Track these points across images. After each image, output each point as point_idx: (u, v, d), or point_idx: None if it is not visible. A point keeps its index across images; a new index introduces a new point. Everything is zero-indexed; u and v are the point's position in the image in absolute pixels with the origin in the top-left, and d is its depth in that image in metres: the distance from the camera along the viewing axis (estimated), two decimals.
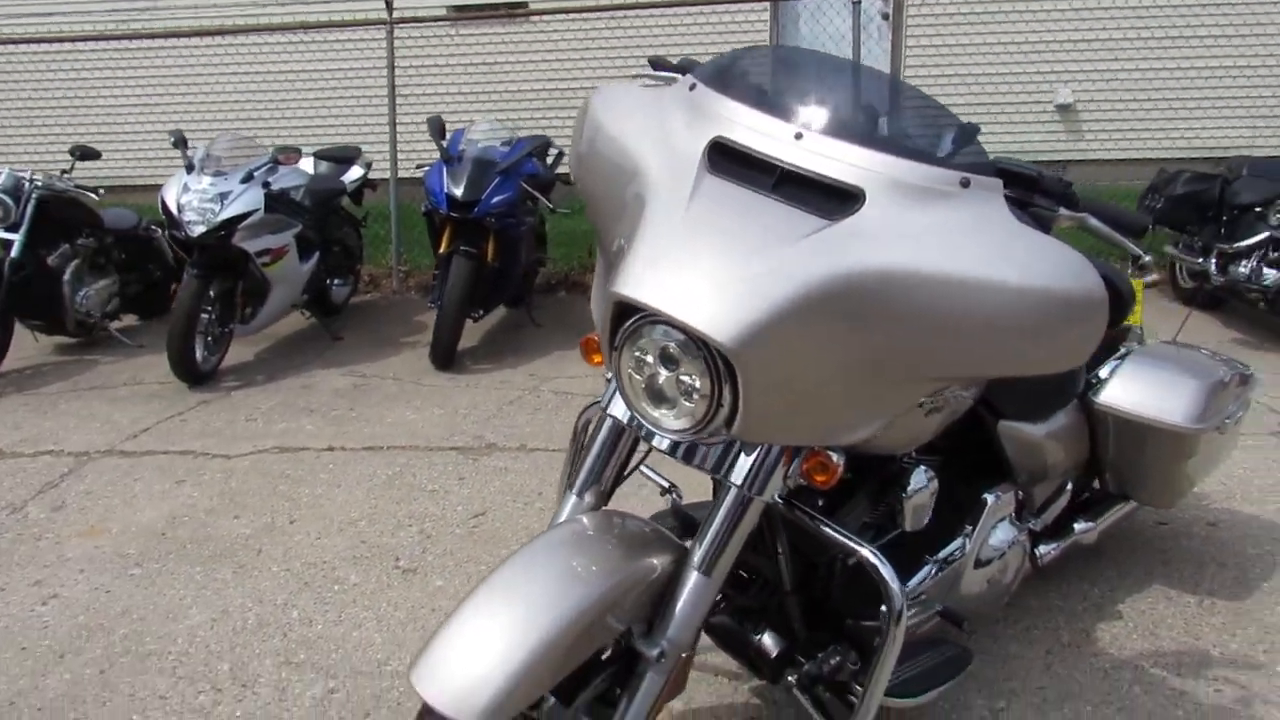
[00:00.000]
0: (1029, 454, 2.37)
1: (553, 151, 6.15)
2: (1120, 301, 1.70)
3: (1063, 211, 1.70)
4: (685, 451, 1.77)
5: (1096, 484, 2.75)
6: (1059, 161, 8.10)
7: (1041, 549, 2.56)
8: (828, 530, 1.84)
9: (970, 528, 2.27)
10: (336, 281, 5.99)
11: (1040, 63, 8.10)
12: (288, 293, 5.18)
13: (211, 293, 4.81)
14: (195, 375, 4.79)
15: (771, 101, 1.67)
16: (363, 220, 6.19)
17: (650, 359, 1.59)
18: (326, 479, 3.74)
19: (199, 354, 4.79)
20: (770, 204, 1.55)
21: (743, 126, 1.63)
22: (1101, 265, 1.71)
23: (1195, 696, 2.35)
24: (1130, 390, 2.48)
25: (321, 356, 5.38)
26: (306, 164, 5.97)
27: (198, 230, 4.60)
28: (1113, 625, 2.64)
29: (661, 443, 1.77)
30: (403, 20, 6.56)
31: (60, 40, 8.27)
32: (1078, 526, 2.64)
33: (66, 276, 5.24)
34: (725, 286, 1.47)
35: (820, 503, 1.98)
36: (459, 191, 4.80)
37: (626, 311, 1.58)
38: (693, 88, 1.74)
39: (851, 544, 1.79)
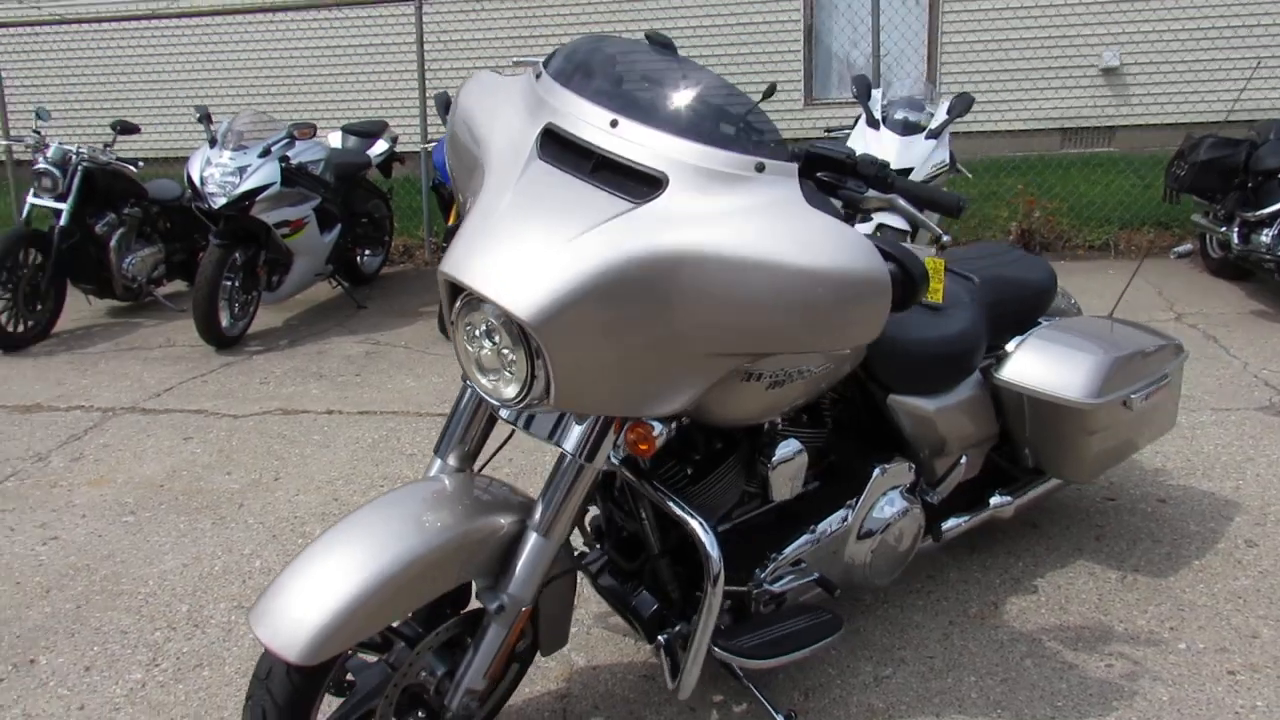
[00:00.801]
0: (923, 428, 2.43)
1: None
2: (911, 283, 1.76)
3: (870, 193, 1.78)
4: (525, 421, 1.90)
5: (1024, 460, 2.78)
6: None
7: (948, 523, 2.62)
8: (663, 498, 1.95)
9: (854, 499, 2.35)
10: (367, 253, 6.24)
11: (1084, 26, 7.85)
12: (310, 263, 5.44)
13: (237, 261, 5.09)
14: (220, 339, 5.09)
15: (595, 91, 1.76)
16: (389, 192, 6.41)
17: (478, 333, 1.72)
18: (318, 440, 3.97)
19: (224, 319, 5.08)
20: (585, 188, 1.66)
21: (570, 114, 1.73)
22: (894, 248, 1.77)
23: (1084, 670, 2.39)
24: (1028, 365, 2.51)
25: (343, 325, 5.64)
26: (334, 138, 6.23)
27: (218, 202, 4.87)
28: (1024, 599, 2.69)
29: (502, 411, 1.91)
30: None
31: (99, 20, 8.68)
32: (994, 501, 2.68)
33: (113, 243, 5.59)
34: (532, 265, 1.59)
35: (689, 471, 2.08)
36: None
37: (460, 288, 1.71)
38: (538, 77, 1.85)
39: (678, 511, 1.90)
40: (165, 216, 6.00)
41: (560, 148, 1.73)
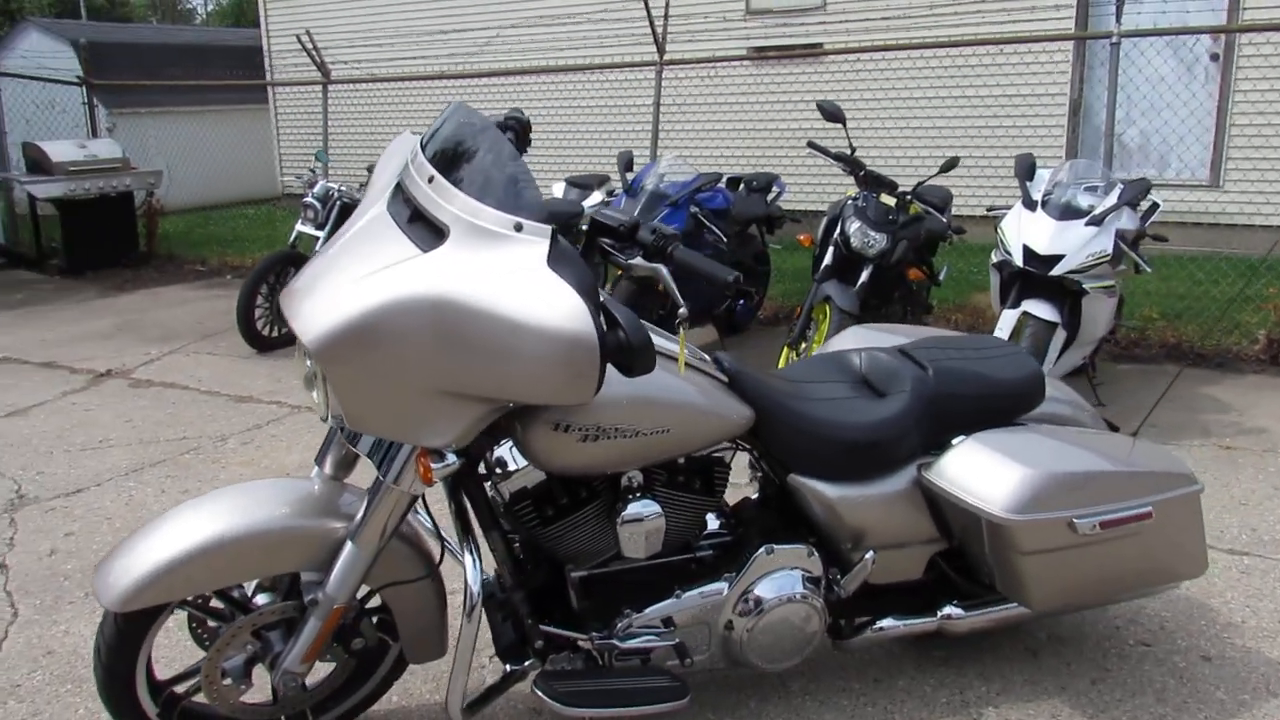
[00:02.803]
0: (826, 514, 2.35)
1: (776, 188, 6.39)
2: (631, 353, 1.77)
3: (637, 261, 1.83)
4: (350, 437, 2.12)
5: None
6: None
7: (883, 623, 2.47)
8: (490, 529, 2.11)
9: (733, 573, 2.32)
10: None
11: None
12: None
13: None
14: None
15: (432, 152, 1.98)
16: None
17: (300, 353, 1.99)
18: None
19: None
20: (396, 235, 1.89)
21: (412, 171, 1.98)
22: (626, 318, 1.79)
23: None
24: (956, 467, 2.32)
25: None
26: (558, 188, 6.78)
27: None
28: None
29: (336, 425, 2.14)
30: (670, 62, 7.13)
31: (393, 80, 10.02)
32: (944, 612, 2.50)
33: None
34: (325, 297, 1.84)
35: (550, 513, 2.20)
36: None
37: None
38: (422, 140, 2.10)
39: (458, 541, 2.03)
40: None
41: (403, 201, 1.97)
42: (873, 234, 4.80)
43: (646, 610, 2.28)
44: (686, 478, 2.29)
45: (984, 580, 2.49)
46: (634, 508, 2.19)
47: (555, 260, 1.79)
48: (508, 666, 2.27)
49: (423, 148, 2.01)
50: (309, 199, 6.28)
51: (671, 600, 2.29)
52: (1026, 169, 4.57)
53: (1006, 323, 4.33)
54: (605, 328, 1.78)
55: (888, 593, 2.53)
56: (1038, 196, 4.42)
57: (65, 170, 8.37)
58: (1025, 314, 4.29)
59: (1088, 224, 4.24)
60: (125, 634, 2.04)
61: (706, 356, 2.31)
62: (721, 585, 2.32)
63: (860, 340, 2.81)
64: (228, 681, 2.15)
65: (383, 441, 2.06)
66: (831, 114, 4.90)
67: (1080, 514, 2.28)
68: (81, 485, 4.04)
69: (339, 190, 6.32)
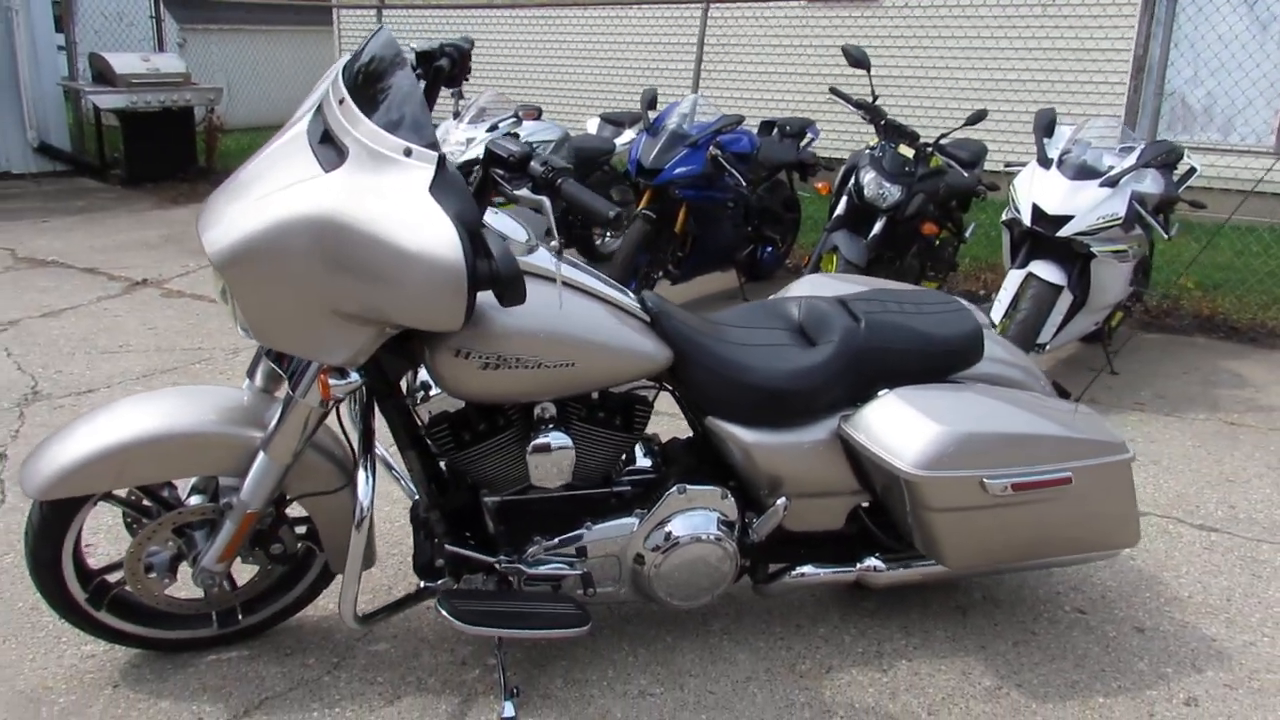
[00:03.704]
0: (741, 458, 2.37)
1: (810, 134, 6.28)
2: (499, 282, 1.82)
3: (523, 193, 1.86)
4: (269, 351, 2.20)
5: None
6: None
7: (802, 569, 2.49)
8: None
9: (645, 509, 2.36)
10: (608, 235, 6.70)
11: None
12: (532, 228, 6.00)
13: None
14: None
15: (349, 75, 2.02)
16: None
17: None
18: None
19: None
20: (305, 154, 1.94)
21: (330, 93, 2.02)
22: (500, 250, 1.82)
23: None
24: (872, 421, 2.31)
25: None
26: (592, 124, 6.76)
27: None
28: (866, 674, 2.48)
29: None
30: (718, 0, 7.01)
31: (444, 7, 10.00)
32: (863, 564, 2.51)
33: None
34: (230, 214, 1.91)
35: (466, 438, 2.26)
36: (646, 159, 5.22)
37: None
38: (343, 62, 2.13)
39: (365, 455, 2.10)
40: None
41: (321, 121, 2.02)
42: (887, 185, 4.71)
43: (556, 539, 2.34)
44: (605, 413, 2.32)
45: (905, 536, 2.49)
46: (542, 439, 2.23)
47: (439, 187, 1.82)
48: (422, 583, 2.36)
49: (344, 71, 2.05)
50: None
51: (580, 531, 2.34)
52: (1045, 124, 4.42)
53: (1011, 283, 4.23)
54: (476, 257, 1.81)
55: (811, 541, 2.55)
56: (1054, 154, 4.28)
57: (128, 82, 8.59)
58: (1030, 275, 4.18)
59: (1101, 185, 4.09)
60: (50, 521, 2.17)
61: (630, 294, 2.33)
62: (632, 520, 2.36)
63: (812, 289, 2.79)
64: (151, 575, 2.27)
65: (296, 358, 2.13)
66: (857, 59, 4.79)
67: (992, 474, 2.26)
68: (94, 386, 4.24)
69: None
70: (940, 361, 2.44)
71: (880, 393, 2.37)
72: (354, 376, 2.04)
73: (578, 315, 2.14)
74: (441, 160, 1.85)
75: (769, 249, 6.33)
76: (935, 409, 2.28)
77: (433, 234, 1.78)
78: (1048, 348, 4.27)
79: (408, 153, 1.84)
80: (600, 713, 2.31)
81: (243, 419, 2.21)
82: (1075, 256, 4.20)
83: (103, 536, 2.93)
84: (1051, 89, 7.77)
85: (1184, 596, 2.85)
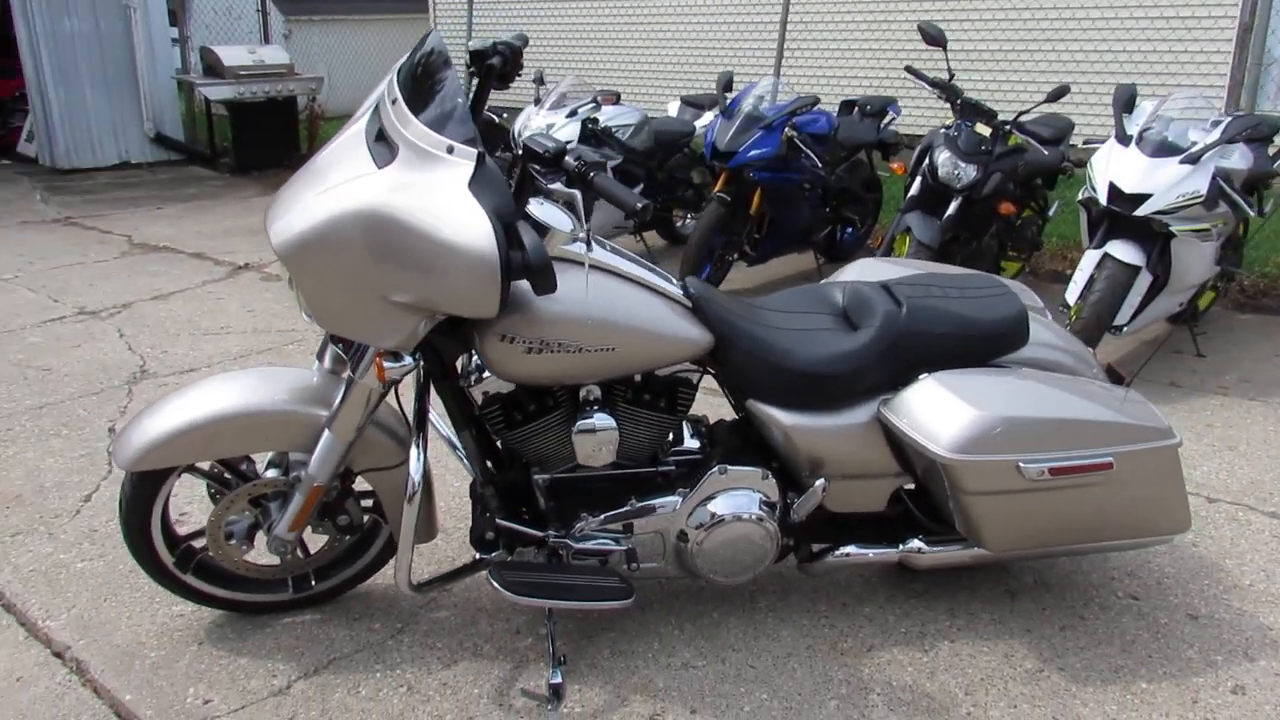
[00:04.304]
0: (781, 439, 2.43)
1: (891, 113, 6.21)
2: (529, 272, 1.92)
3: (556, 187, 1.96)
4: (332, 337, 2.35)
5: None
6: None
7: (845, 549, 2.55)
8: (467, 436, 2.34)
9: (688, 489, 2.45)
10: (689, 216, 6.77)
11: None
12: (607, 216, 6.05)
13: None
14: None
15: (402, 76, 2.15)
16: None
17: None
18: None
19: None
20: (363, 151, 2.09)
21: (385, 93, 2.15)
22: (533, 243, 1.91)
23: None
24: (911, 405, 2.34)
25: None
26: (673, 107, 6.81)
27: None
28: (907, 654, 2.52)
29: None
30: None
31: None
32: (907, 545, 2.55)
33: None
34: (293, 207, 2.06)
35: (518, 417, 2.38)
36: (721, 142, 5.26)
37: None
38: (399, 65, 2.27)
39: (420, 435, 2.23)
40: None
41: (377, 120, 2.16)
42: (961, 165, 4.65)
43: (602, 515, 2.44)
44: (649, 395, 2.42)
45: (947, 519, 2.52)
46: (587, 420, 2.33)
47: (478, 183, 1.93)
48: (477, 555, 2.50)
49: (399, 72, 2.18)
50: None
51: (625, 509, 2.44)
52: (1125, 100, 4.30)
53: (1087, 264, 4.15)
54: (510, 248, 1.92)
55: (855, 522, 2.60)
56: (1133, 131, 4.17)
57: (235, 74, 9.01)
58: (1106, 255, 4.10)
59: (1182, 161, 3.98)
60: (139, 490, 2.37)
61: (673, 280, 2.41)
62: (675, 499, 2.45)
63: (861, 273, 2.82)
64: (231, 542, 2.47)
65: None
66: (933, 37, 4.73)
67: (1028, 458, 2.27)
68: (195, 365, 4.53)
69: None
70: (983, 345, 2.46)
71: (920, 377, 2.40)
72: (407, 360, 2.17)
73: (618, 301, 2.23)
74: (481, 157, 1.96)
75: (849, 230, 6.30)
76: (972, 393, 2.30)
77: (470, 227, 1.89)
78: (1126, 330, 4.19)
79: (450, 150, 1.96)
80: (643, 682, 2.41)
81: (311, 399, 2.38)
82: (1155, 236, 4.09)
83: (196, 505, 3.16)
84: (1144, 60, 7.48)
85: (1245, 584, 2.81)
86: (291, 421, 2.35)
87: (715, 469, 2.44)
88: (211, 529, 2.44)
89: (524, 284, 2.07)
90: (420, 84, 2.13)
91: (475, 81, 2.37)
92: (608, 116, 5.92)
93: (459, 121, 2.00)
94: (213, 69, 9.10)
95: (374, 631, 2.59)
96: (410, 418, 2.40)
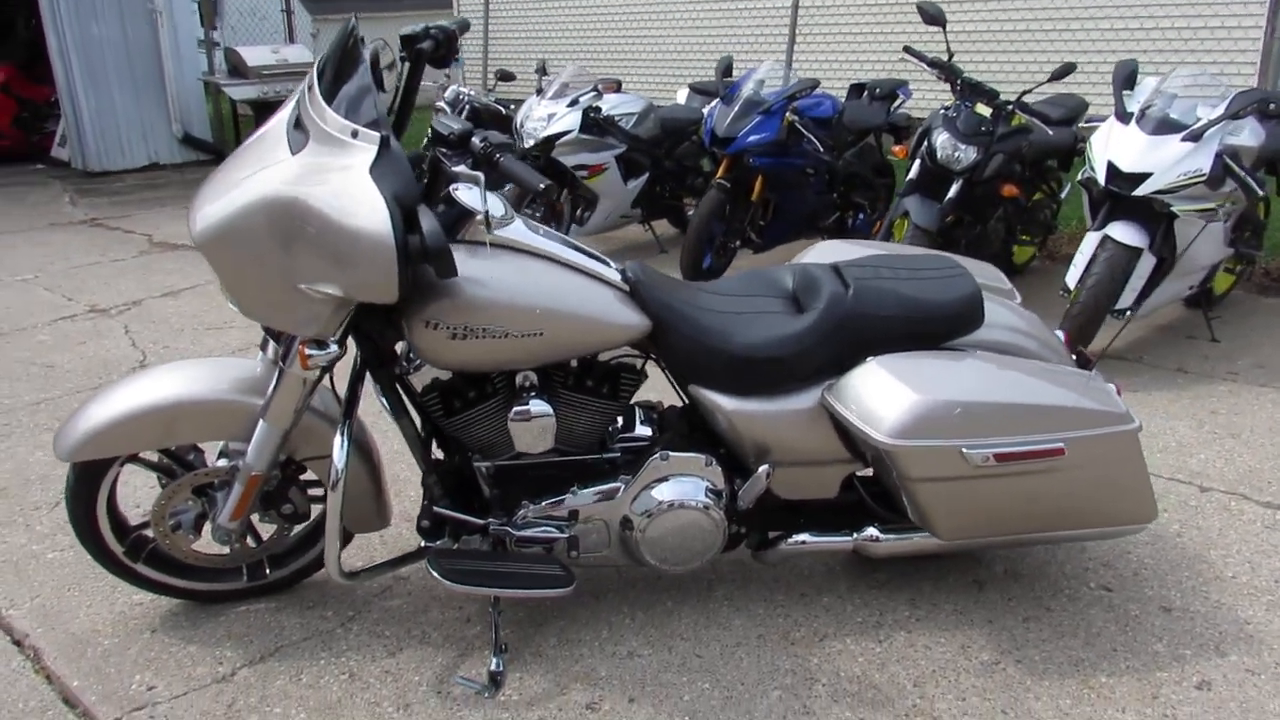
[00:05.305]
0: (728, 427, 2.38)
1: (901, 95, 6.09)
2: (427, 257, 1.87)
3: (460, 168, 1.92)
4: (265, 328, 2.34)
5: None
6: None
7: (798, 537, 2.49)
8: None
9: (628, 475, 2.41)
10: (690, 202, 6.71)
11: None
12: (613, 205, 6.07)
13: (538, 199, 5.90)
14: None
15: (320, 63, 2.13)
16: None
17: None
18: None
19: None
20: (280, 140, 2.07)
21: (305, 81, 2.14)
22: (430, 228, 1.88)
23: None
24: (854, 389, 2.27)
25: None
26: (682, 95, 6.75)
27: (528, 144, 5.70)
28: (858, 643, 2.46)
29: None
30: None
31: None
32: (861, 534, 2.48)
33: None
34: (210, 198, 2.06)
35: (456, 405, 2.36)
36: (720, 128, 5.19)
37: None
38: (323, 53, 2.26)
39: (343, 424, 2.21)
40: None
41: (297, 109, 2.15)
42: (961, 146, 4.53)
43: (543, 502, 2.41)
44: (592, 381, 2.38)
45: (900, 507, 2.45)
46: (520, 407, 2.30)
47: (381, 167, 1.91)
48: (421, 543, 2.48)
49: (320, 61, 2.16)
50: (439, 103, 6.58)
51: (567, 496, 2.41)
52: (1125, 77, 4.15)
53: (1088, 246, 4.03)
54: (408, 233, 1.89)
55: (811, 510, 2.54)
56: (1134, 108, 4.02)
57: (259, 74, 9.13)
58: (1105, 237, 3.96)
59: (1184, 139, 3.83)
60: (81, 481, 2.39)
61: (610, 263, 2.36)
62: (617, 485, 2.41)
63: (824, 255, 2.75)
64: (179, 531, 2.48)
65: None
66: (933, 17, 4.62)
67: (971, 444, 2.19)
68: None
69: (468, 94, 6.59)
70: (933, 327, 2.38)
71: (864, 361, 2.33)
72: (332, 348, 2.16)
73: (544, 285, 2.19)
74: (385, 141, 1.94)
75: (860, 216, 6.19)
76: (915, 376, 2.23)
77: (367, 212, 1.87)
78: (1131, 313, 4.05)
79: (354, 134, 1.94)
80: (586, 671, 2.38)
81: (250, 388, 2.37)
82: (1158, 217, 3.95)
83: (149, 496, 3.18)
84: (1162, 36, 7.25)
85: (1227, 576, 2.69)
86: (228, 411, 2.35)
87: (657, 455, 2.39)
88: (156, 519, 2.45)
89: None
90: (334, 72, 2.11)
91: (406, 66, 2.35)
92: (610, 105, 5.89)
93: (361, 106, 1.98)
94: (237, 69, 9.23)
95: (325, 619, 2.59)
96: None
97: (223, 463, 2.48)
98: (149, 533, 2.55)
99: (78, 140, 9.20)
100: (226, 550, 2.56)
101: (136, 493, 3.21)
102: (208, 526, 2.50)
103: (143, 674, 2.40)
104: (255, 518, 2.56)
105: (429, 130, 2.04)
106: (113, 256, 6.54)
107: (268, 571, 2.64)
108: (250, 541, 2.58)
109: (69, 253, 6.65)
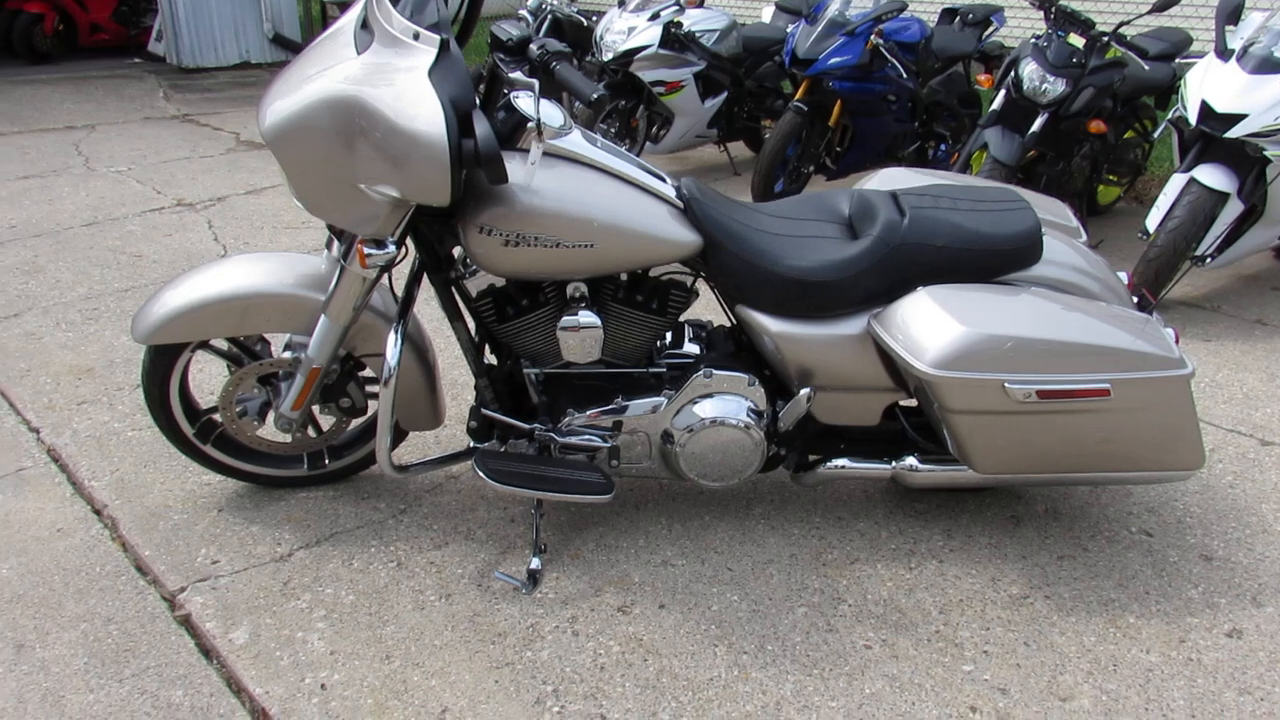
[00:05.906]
0: (773, 349, 2.41)
1: (994, 22, 5.87)
2: (477, 161, 1.89)
3: (516, 75, 1.95)
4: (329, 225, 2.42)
5: None
6: None
7: (836, 462, 2.53)
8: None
9: (672, 390, 2.46)
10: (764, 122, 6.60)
11: None
12: (688, 123, 6.01)
13: (619, 107, 5.86)
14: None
15: None
16: None
17: None
18: None
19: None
20: (349, 39, 2.12)
21: None
22: (484, 133, 1.90)
23: (838, 637, 2.26)
24: (899, 318, 2.27)
25: (723, 187, 6.18)
26: (767, 13, 6.61)
27: (606, 57, 5.65)
28: (901, 571, 2.50)
29: None
30: None
31: None
32: (900, 462, 2.50)
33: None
34: (279, 95, 2.12)
35: (510, 311, 2.42)
36: (800, 49, 5.08)
37: None
38: None
39: (399, 324, 2.29)
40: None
41: (365, 9, 2.19)
42: (1050, 78, 4.38)
43: (588, 411, 2.48)
44: (641, 295, 2.41)
45: (940, 438, 2.45)
46: (570, 317, 2.35)
47: (439, 69, 1.94)
48: (471, 443, 2.58)
49: None
50: (522, 10, 6.55)
51: (612, 406, 2.47)
52: (1229, 10, 3.94)
53: (1172, 188, 3.88)
54: (462, 137, 1.93)
55: (853, 436, 2.57)
56: (1236, 45, 3.83)
57: None
58: (1191, 180, 3.82)
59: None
60: (156, 364, 2.53)
61: (666, 179, 2.38)
62: (660, 399, 2.46)
63: (887, 182, 2.72)
64: (244, 417, 2.61)
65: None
66: None
67: (1014, 379, 2.18)
68: None
69: (552, 4, 6.53)
70: (987, 260, 2.35)
71: (918, 288, 2.32)
72: (390, 248, 2.23)
73: (599, 198, 2.22)
74: (445, 44, 1.96)
75: (943, 146, 6.04)
76: (963, 308, 2.22)
77: (425, 113, 1.91)
78: (1211, 261, 3.92)
79: (416, 36, 1.97)
80: (621, 575, 2.47)
81: (315, 284, 2.47)
82: (1251, 162, 3.79)
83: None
84: None
85: (1276, 530, 2.65)
86: (293, 305, 2.45)
87: (701, 372, 2.43)
88: (224, 403, 2.58)
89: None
90: None
91: None
92: (692, 21, 5.80)
93: (425, 8, 2.01)
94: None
95: (378, 510, 2.72)
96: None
97: (287, 354, 2.59)
98: (218, 417, 2.69)
99: (173, 36, 9.39)
100: (288, 438, 2.69)
101: (211, 380, 3.37)
102: (271, 414, 2.63)
103: (208, 548, 2.56)
104: (316, 409, 2.68)
105: (489, 36, 2.04)
106: (201, 152, 6.72)
107: (326, 461, 2.77)
108: (311, 432, 2.71)
109: (160, 147, 6.86)
